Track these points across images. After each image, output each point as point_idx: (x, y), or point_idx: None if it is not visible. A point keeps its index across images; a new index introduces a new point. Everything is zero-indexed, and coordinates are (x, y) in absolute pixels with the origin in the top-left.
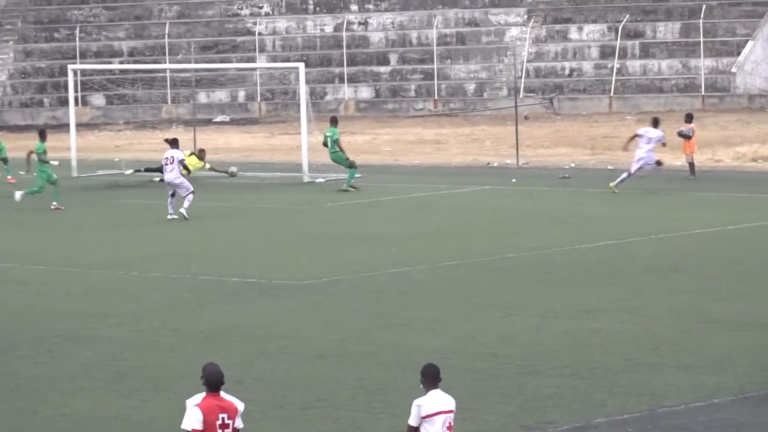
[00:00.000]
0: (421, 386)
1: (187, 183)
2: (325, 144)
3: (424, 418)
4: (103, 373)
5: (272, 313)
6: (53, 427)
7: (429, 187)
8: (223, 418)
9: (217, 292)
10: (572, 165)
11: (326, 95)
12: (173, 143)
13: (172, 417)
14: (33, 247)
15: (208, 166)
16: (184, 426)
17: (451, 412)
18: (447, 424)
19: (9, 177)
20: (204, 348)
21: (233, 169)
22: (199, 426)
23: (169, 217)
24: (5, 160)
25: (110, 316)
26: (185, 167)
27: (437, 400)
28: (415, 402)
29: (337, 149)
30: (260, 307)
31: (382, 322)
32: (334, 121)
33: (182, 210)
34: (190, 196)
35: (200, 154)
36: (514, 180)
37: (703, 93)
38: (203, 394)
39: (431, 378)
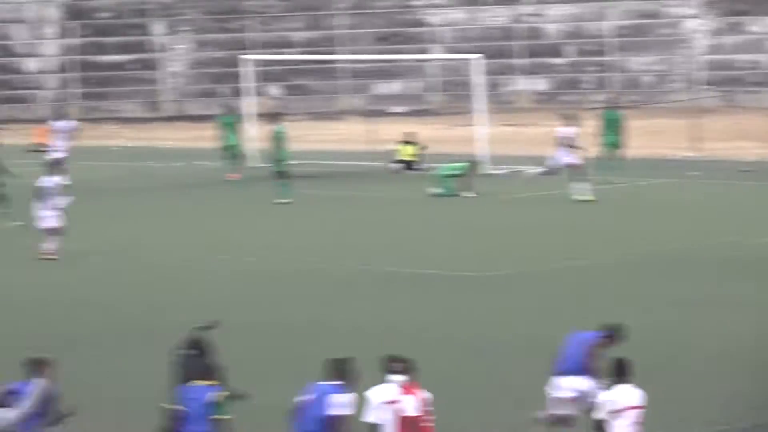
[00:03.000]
0: (607, 381)
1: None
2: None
3: (613, 412)
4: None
5: (453, 307)
6: None
7: (606, 180)
8: (407, 408)
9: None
10: (753, 159)
11: (503, 87)
12: None
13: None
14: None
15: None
16: (365, 418)
17: (640, 407)
18: (636, 419)
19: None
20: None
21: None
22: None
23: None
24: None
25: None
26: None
27: (626, 394)
28: (603, 396)
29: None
30: (440, 299)
31: (557, 318)
32: (277, 118)
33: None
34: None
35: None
36: (694, 173)
37: None
38: (387, 385)
39: (621, 372)
